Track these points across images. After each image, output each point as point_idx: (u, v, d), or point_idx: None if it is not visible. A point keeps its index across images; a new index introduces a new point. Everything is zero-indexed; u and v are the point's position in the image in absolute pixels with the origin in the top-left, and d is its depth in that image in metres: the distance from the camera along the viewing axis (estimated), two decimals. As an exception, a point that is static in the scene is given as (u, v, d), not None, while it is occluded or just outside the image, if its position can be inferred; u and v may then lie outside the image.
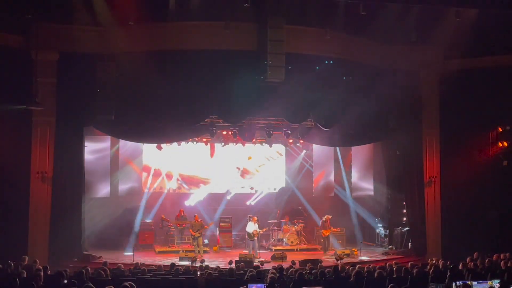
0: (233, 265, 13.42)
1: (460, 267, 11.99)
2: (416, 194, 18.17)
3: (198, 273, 12.06)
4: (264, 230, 18.46)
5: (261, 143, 20.43)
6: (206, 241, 18.65)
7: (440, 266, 12.35)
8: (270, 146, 20.48)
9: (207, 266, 13.12)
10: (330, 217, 19.02)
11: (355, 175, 21.15)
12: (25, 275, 10.57)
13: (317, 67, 16.44)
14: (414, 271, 11.39)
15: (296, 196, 21.65)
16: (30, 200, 15.67)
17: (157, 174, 20.88)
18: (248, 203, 21.51)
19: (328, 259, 16.79)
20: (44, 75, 15.54)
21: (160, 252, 18.26)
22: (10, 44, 15.64)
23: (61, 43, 15.78)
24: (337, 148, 21.08)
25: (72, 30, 15.63)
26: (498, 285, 9.76)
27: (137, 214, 19.74)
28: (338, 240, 19.23)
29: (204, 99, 15.93)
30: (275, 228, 19.84)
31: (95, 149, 18.48)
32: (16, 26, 15.48)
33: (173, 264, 13.02)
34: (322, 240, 19.06)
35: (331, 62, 16.65)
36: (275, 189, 21.98)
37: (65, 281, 10.10)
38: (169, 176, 21.00)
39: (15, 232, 15.22)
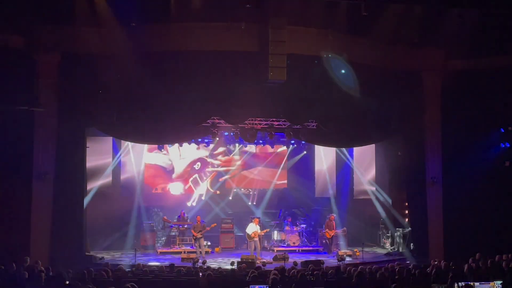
0: (235, 266, 13.43)
1: (462, 268, 11.97)
2: (418, 195, 18.13)
3: (200, 274, 12.06)
4: (265, 231, 18.45)
5: (262, 144, 20.43)
6: (209, 243, 18.64)
7: (442, 267, 12.33)
8: (272, 147, 20.47)
9: (209, 267, 13.13)
10: (334, 216, 18.97)
11: (357, 176, 21.12)
12: (27, 276, 10.57)
13: (318, 68, 16.41)
14: (416, 272, 11.39)
15: (298, 196, 21.64)
16: (32, 201, 15.66)
17: (159, 174, 20.91)
18: (249, 203, 21.52)
19: (330, 260, 16.77)
20: (46, 76, 15.58)
21: (161, 253, 18.25)
22: (12, 45, 15.64)
23: (63, 44, 15.76)
24: (339, 149, 21.06)
25: (74, 32, 15.63)
26: (500, 286, 9.76)
27: (139, 215, 19.75)
28: (340, 241, 19.16)
29: (205, 100, 15.93)
30: (277, 229, 19.81)
31: (97, 150, 18.49)
32: (18, 28, 15.50)
33: (172, 265, 12.99)
34: (324, 241, 19.05)
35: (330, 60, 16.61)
36: (276, 189, 21.99)
37: (67, 282, 10.11)
38: (172, 177, 21.06)
39: (17, 233, 15.26)
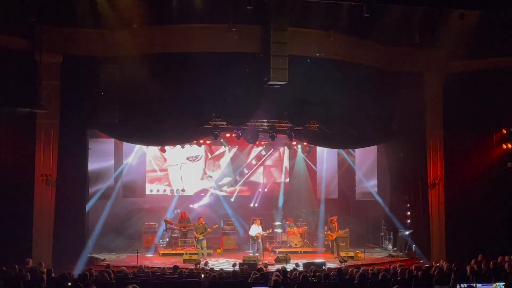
0: (237, 268, 13.42)
1: (464, 269, 11.94)
2: (420, 196, 18.11)
3: (202, 275, 12.06)
4: (268, 232, 18.45)
5: (264, 145, 20.43)
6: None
7: (445, 268, 12.30)
8: (274, 149, 20.44)
9: (211, 269, 13.12)
10: (336, 217, 18.94)
11: (359, 177, 21.11)
12: (29, 278, 10.58)
13: (319, 69, 16.41)
14: (419, 273, 11.37)
15: (300, 198, 21.63)
16: (34, 203, 15.67)
17: (160, 176, 20.91)
18: (251, 205, 21.52)
19: (332, 261, 16.77)
20: (48, 77, 15.57)
21: (163, 254, 18.25)
22: (15, 47, 15.66)
23: (65, 46, 15.81)
24: (341, 150, 21.05)
25: (76, 33, 15.68)
26: (502, 287, 9.74)
27: (141, 216, 19.75)
28: (342, 242, 19.13)
29: (207, 102, 15.93)
30: (279, 230, 19.81)
31: (99, 151, 18.50)
32: (20, 29, 15.52)
33: (176, 267, 12.98)
34: (326, 243, 19.02)
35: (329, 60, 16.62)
36: (278, 191, 21.99)
37: (69, 284, 10.12)
38: (172, 178, 21.06)
39: (19, 235, 15.24)
